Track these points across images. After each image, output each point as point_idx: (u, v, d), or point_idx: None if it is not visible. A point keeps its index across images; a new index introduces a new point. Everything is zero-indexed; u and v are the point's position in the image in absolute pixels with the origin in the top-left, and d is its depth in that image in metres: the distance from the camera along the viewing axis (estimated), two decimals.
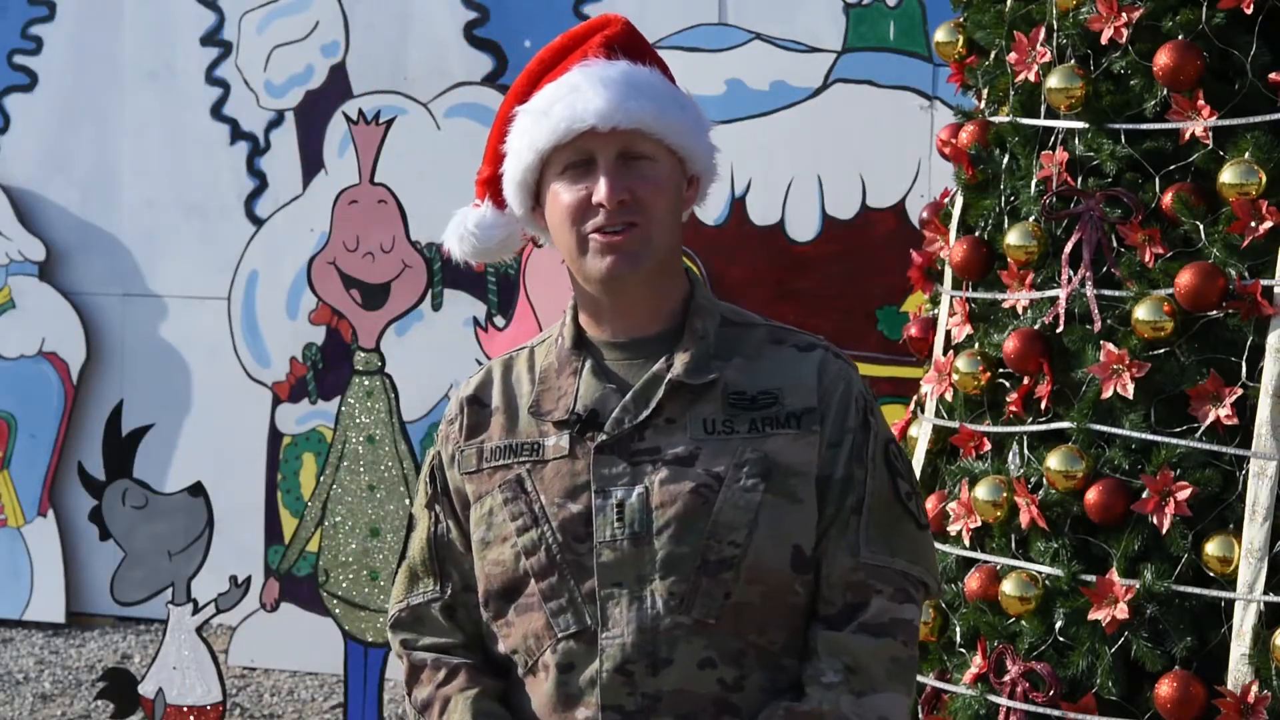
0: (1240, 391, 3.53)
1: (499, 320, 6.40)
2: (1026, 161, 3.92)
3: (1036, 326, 3.79)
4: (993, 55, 4.11)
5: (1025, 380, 3.82)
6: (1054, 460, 3.66)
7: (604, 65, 2.42)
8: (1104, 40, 3.76)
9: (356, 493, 5.22)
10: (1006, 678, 3.66)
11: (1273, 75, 3.61)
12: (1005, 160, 3.98)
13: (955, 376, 3.96)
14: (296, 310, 6.57)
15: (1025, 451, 3.79)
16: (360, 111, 5.76)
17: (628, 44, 2.47)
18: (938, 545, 3.62)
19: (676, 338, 2.44)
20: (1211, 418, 3.54)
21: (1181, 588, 3.53)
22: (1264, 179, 3.56)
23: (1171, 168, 3.70)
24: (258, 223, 6.87)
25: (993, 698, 3.69)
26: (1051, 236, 3.82)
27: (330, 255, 5.43)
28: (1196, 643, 3.53)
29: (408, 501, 5.00)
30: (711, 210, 5.98)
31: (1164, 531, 3.54)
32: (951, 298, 4.08)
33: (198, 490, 5.20)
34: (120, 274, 7.20)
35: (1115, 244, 3.71)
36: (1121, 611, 3.53)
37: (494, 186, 2.54)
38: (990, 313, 3.97)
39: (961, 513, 3.85)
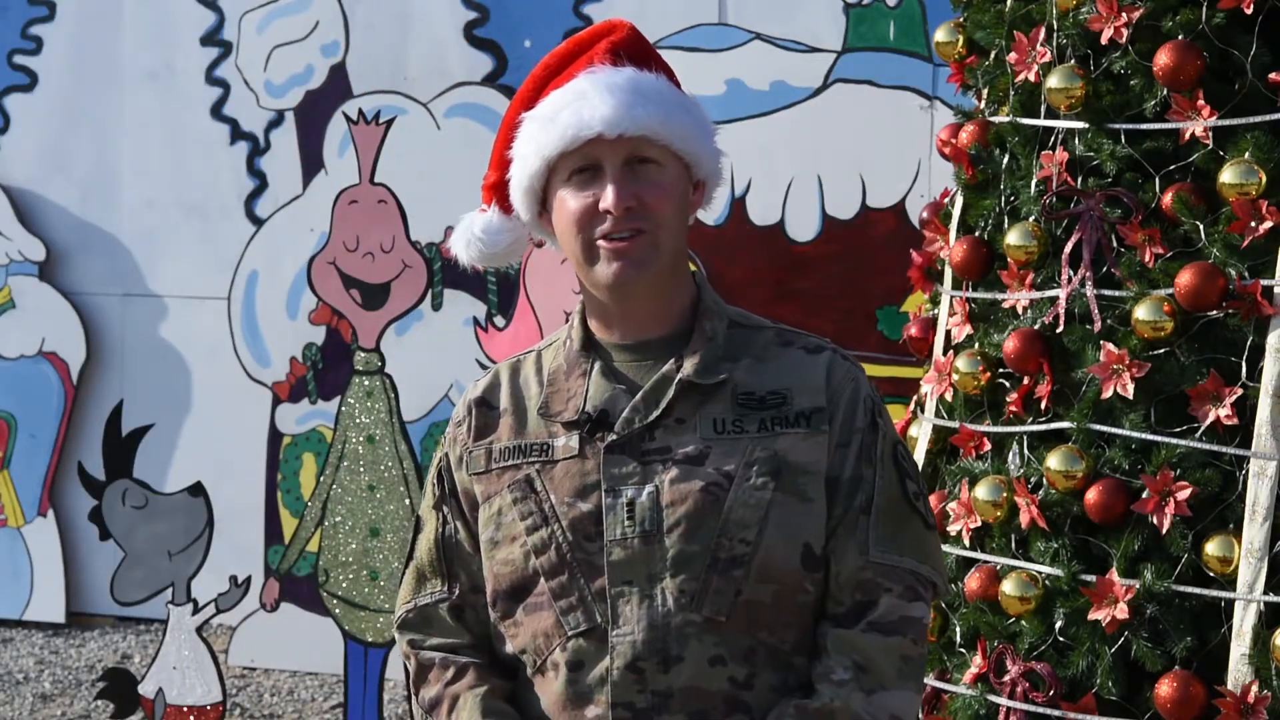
0: (1240, 391, 3.52)
1: (499, 320, 6.40)
2: (1026, 161, 3.92)
3: (1036, 326, 3.79)
4: (993, 55, 4.11)
5: (1025, 380, 3.82)
6: (1054, 460, 3.66)
7: (610, 72, 2.43)
8: (1104, 40, 3.76)
9: (356, 493, 5.21)
10: (1006, 678, 3.66)
11: (1273, 75, 3.61)
12: (1005, 160, 3.98)
13: (955, 376, 3.96)
14: (296, 310, 6.57)
15: (1025, 451, 3.79)
16: (360, 111, 5.77)
17: (633, 50, 2.48)
18: None
19: (684, 339, 2.45)
20: (1211, 418, 3.53)
21: (1181, 588, 3.53)
22: (1264, 179, 3.55)
23: (1171, 168, 3.69)
24: (258, 223, 6.86)
25: (993, 698, 3.69)
26: (1051, 236, 3.82)
27: (330, 255, 5.43)
28: (1196, 643, 3.53)
29: (408, 501, 5.00)
30: (712, 211, 5.98)
31: (1164, 531, 3.53)
32: (951, 298, 4.08)
33: (198, 490, 5.20)
34: (120, 274, 7.19)
35: (1115, 244, 3.71)
36: (1121, 611, 3.53)
37: (500, 192, 2.55)
38: (990, 313, 3.97)
39: (961, 513, 3.85)
